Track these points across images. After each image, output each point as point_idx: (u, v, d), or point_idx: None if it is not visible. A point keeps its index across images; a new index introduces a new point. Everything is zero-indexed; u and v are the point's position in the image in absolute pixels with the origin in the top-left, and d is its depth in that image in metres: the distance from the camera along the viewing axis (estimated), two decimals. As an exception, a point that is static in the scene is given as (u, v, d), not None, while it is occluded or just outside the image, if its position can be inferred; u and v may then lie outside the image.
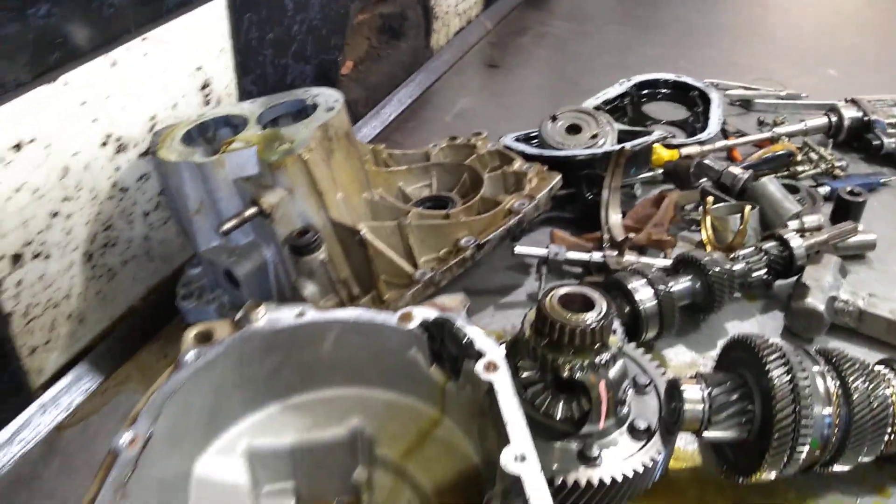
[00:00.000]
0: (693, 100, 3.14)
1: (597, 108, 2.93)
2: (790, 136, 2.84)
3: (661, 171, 2.64)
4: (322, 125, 1.98)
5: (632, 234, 2.25)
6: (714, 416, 1.64)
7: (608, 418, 1.66)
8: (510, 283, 2.30)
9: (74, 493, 1.69)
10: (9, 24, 1.73)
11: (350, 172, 2.06)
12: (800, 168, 2.70)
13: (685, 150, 2.67)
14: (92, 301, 2.17)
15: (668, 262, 2.17)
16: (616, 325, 1.66)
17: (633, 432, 1.70)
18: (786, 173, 2.68)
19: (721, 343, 1.79)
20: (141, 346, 2.22)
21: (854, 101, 2.89)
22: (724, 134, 2.93)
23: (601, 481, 1.60)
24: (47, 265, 2.00)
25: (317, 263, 1.93)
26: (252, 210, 1.90)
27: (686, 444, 1.82)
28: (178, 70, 2.26)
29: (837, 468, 1.67)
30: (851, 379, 1.65)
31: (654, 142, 2.57)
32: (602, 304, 1.62)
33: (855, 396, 1.64)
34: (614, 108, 3.10)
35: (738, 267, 2.12)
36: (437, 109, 3.33)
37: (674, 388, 1.66)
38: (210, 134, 2.17)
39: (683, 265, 2.11)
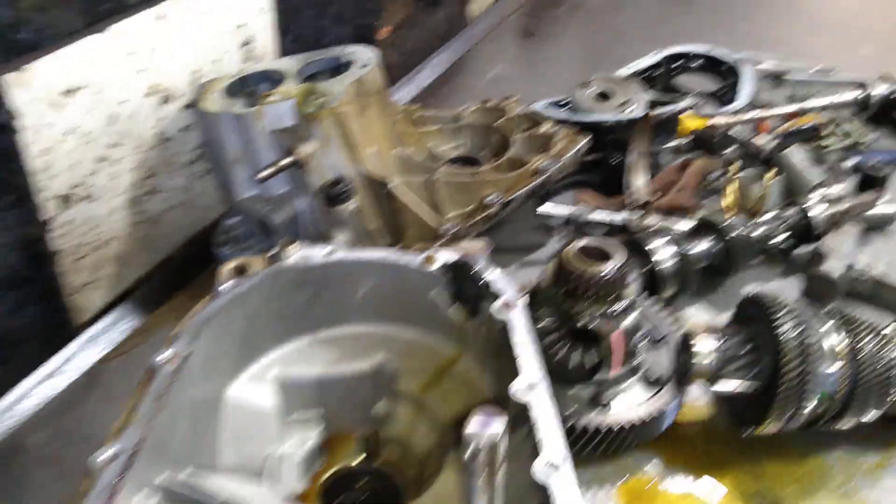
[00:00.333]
0: (724, 73, 3.16)
1: (628, 77, 2.97)
2: (819, 110, 2.86)
3: (687, 139, 2.67)
4: (356, 80, 2.06)
5: (655, 198, 2.30)
6: (724, 368, 1.70)
7: (621, 367, 1.73)
8: (534, 243, 2.37)
9: (115, 418, 1.80)
10: (64, -27, 1.83)
11: (382, 128, 2.14)
12: (827, 141, 2.72)
13: (713, 121, 2.70)
14: (134, 245, 2.28)
15: (690, 227, 2.22)
16: (632, 277, 1.72)
17: (645, 382, 1.77)
18: (812, 146, 2.70)
19: (734, 311, 1.84)
20: (178, 291, 2.32)
21: (885, 78, 2.89)
22: (754, 107, 2.95)
23: (610, 426, 1.67)
24: (94, 208, 2.12)
25: (347, 213, 2.01)
26: (287, 160, 1.99)
27: (697, 397, 1.88)
28: (221, 26, 2.35)
29: (842, 425, 1.72)
30: (860, 338, 1.70)
31: (681, 111, 2.61)
32: (619, 256, 1.69)
33: (862, 356, 1.69)
34: (646, 78, 3.12)
35: (757, 232, 2.17)
36: (471, 76, 3.39)
37: (686, 341, 1.72)
38: (250, 88, 2.26)
39: (704, 228, 2.16)
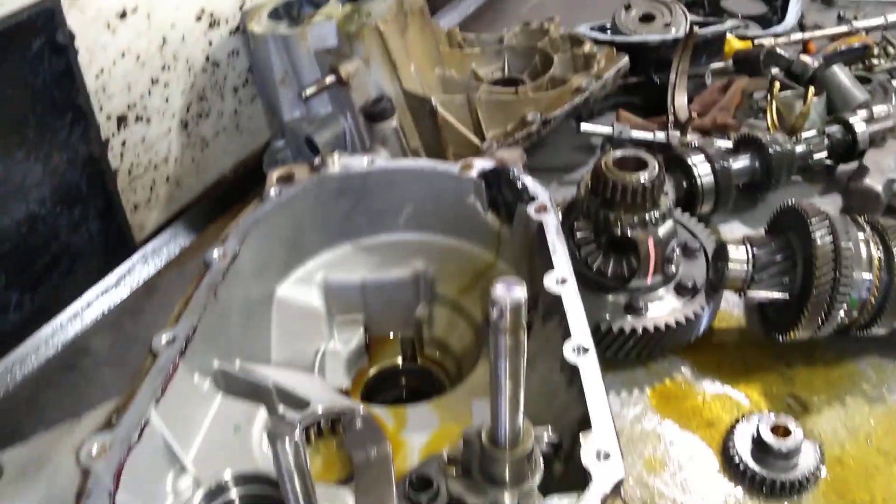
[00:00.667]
0: (772, -5, 3.11)
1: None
2: (868, 30, 2.81)
3: (732, 61, 2.66)
4: (397, 0, 2.10)
5: (696, 115, 2.30)
6: (757, 275, 1.73)
7: (655, 274, 1.78)
8: (573, 162, 2.41)
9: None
10: None
11: (423, 47, 2.18)
12: (875, 61, 2.68)
13: (759, 41, 2.68)
14: (187, 167, 2.38)
15: (730, 145, 2.22)
16: (667, 186, 1.75)
17: (680, 290, 1.81)
18: (861, 66, 2.67)
19: (770, 221, 1.86)
20: (228, 211, 2.41)
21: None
22: (801, 28, 2.91)
23: (645, 328, 1.72)
24: (148, 129, 2.21)
25: (389, 131, 2.07)
26: (331, 78, 2.04)
27: (732, 306, 1.92)
28: (267, -50, 2.40)
29: (874, 331, 1.75)
30: (896, 247, 1.72)
31: (725, 30, 2.59)
32: (654, 166, 1.72)
33: (897, 263, 1.70)
34: (692, 2, 3.09)
35: (799, 148, 2.17)
36: (513, 2, 3.39)
37: (720, 249, 1.76)
38: (294, 12, 2.31)
39: (744, 144, 2.17)
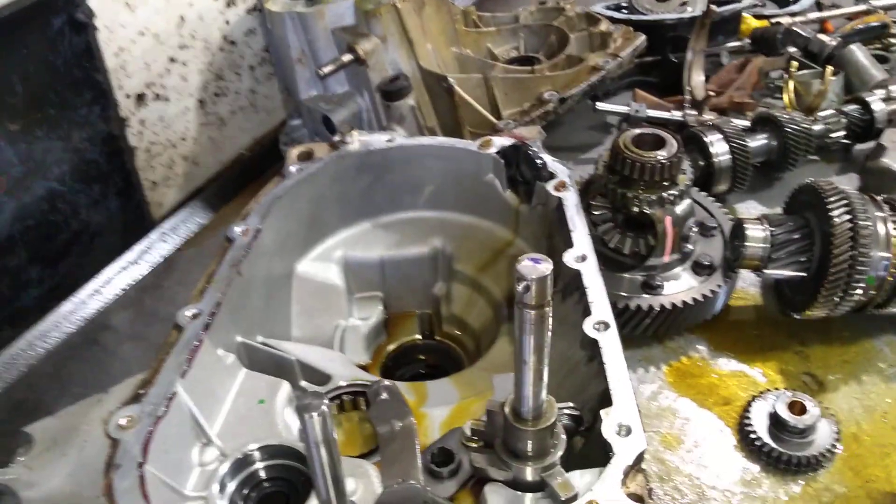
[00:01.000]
0: (790, -26, 3.08)
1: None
2: (887, 8, 2.78)
3: (748, 40, 2.64)
4: (414, -23, 2.09)
5: (713, 94, 2.30)
6: (775, 253, 1.73)
7: (672, 252, 1.78)
8: (590, 142, 2.40)
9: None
10: None
11: (440, 25, 2.17)
12: (893, 40, 2.66)
13: (776, 20, 2.66)
14: (204, 145, 2.39)
15: (746, 124, 2.22)
16: (685, 164, 1.75)
17: (696, 268, 1.81)
18: (878, 45, 2.65)
19: (787, 199, 1.86)
20: (245, 189, 2.42)
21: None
22: (819, 6, 2.89)
23: (662, 306, 1.73)
24: (166, 107, 2.22)
25: (406, 109, 2.07)
26: (348, 56, 2.05)
27: (748, 284, 1.92)
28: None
29: (891, 310, 1.75)
30: (916, 227, 1.71)
31: (742, 9, 2.58)
32: (673, 144, 1.72)
33: (916, 243, 1.70)
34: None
35: (816, 127, 2.16)
36: (529, -18, 3.36)
37: (738, 227, 1.76)
38: (311, -11, 2.31)
39: (761, 123, 2.17)
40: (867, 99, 2.21)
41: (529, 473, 1.07)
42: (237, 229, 1.45)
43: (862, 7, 2.80)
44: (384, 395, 1.10)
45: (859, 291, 1.68)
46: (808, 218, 1.75)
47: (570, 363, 1.28)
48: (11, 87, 1.80)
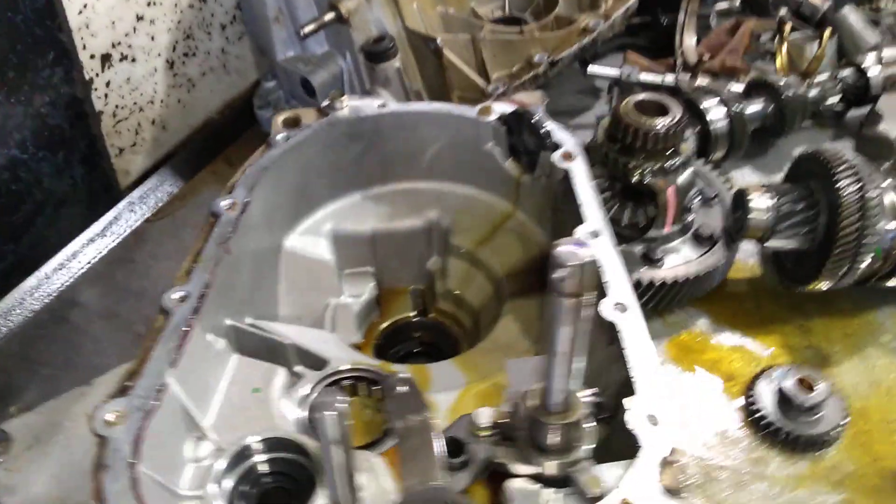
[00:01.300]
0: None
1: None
2: (877, -31, 2.73)
3: (738, 1, 2.57)
4: (398, -69, 1.97)
5: (705, 59, 2.23)
6: (779, 224, 1.68)
7: (674, 223, 1.72)
8: (580, 106, 2.33)
9: (165, 273, 1.82)
10: None
11: (425, -18, 2.06)
12: (883, 4, 2.60)
13: (766, -19, 2.59)
14: (173, 109, 2.26)
15: (740, 88, 2.15)
16: (688, 132, 1.68)
17: (697, 240, 1.76)
18: (868, 8, 2.59)
19: (789, 168, 1.80)
20: (217, 155, 2.30)
21: (948, -65, 2.74)
22: (808, -34, 2.82)
23: (664, 280, 1.67)
24: (133, 68, 2.08)
25: (392, 71, 1.96)
26: (331, 15, 1.93)
27: (747, 256, 1.87)
28: None
29: (894, 282, 1.72)
30: (920, 197, 1.67)
31: (733, -31, 2.50)
32: (676, 111, 1.64)
33: (921, 213, 1.66)
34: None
35: (812, 92, 2.11)
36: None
37: (741, 197, 1.70)
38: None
39: (756, 88, 2.10)
40: (863, 64, 2.15)
41: (555, 468, 1.00)
42: (223, 203, 1.34)
43: (851, -32, 2.74)
44: (402, 389, 1.02)
45: (866, 263, 1.63)
46: (813, 187, 1.69)
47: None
48: (-33, 47, 1.66)
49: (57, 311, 1.83)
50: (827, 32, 2.17)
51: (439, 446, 0.99)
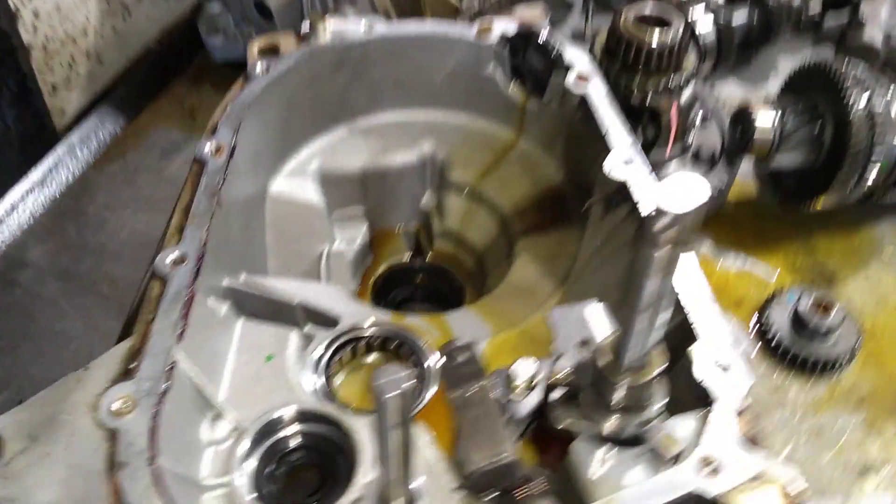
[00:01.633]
0: None
1: None
2: None
3: None
4: None
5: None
6: (784, 141, 1.61)
7: (675, 144, 1.63)
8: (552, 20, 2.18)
9: (125, 226, 1.65)
10: None
11: None
12: None
13: None
14: (108, 39, 2.03)
15: (720, -1, 2.05)
16: (691, 46, 1.58)
17: (697, 161, 1.67)
18: None
19: (773, 79, 1.73)
20: (163, 88, 2.10)
21: None
22: None
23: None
24: (61, -6, 1.85)
25: (360, -11, 1.79)
26: (289, -74, 1.73)
27: (742, 175, 1.79)
28: None
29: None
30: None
31: None
32: (679, 23, 1.53)
33: (925, 124, 1.61)
34: None
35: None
36: None
37: (743, 113, 1.61)
38: None
39: (740, -4, 2.00)
40: (844, -33, 2.07)
41: (626, 429, 0.91)
42: (207, 147, 1.18)
43: None
44: (462, 358, 0.90)
45: (873, 177, 1.58)
46: (817, 101, 1.62)
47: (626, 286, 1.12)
48: None
49: (4, 274, 1.64)
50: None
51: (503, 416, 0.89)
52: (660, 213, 0.72)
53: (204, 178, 1.14)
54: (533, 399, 1.02)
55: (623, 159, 1.18)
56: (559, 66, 1.33)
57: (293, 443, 1.02)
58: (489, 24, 1.37)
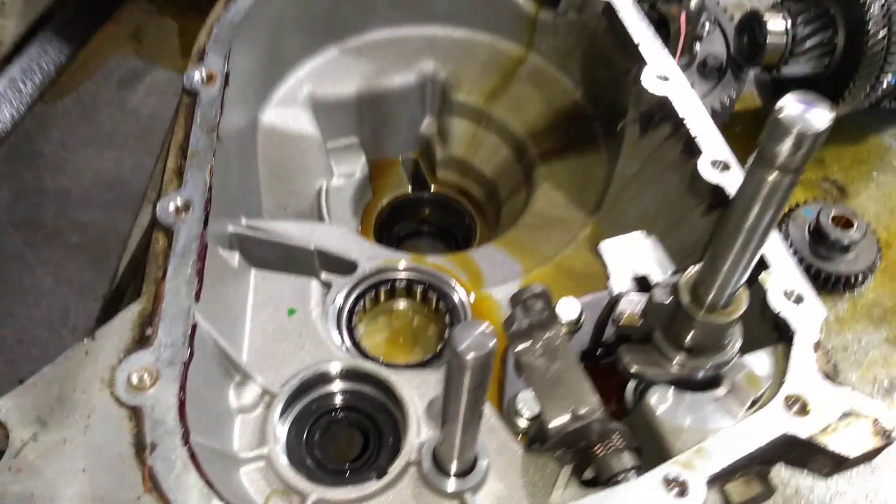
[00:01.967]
0: None
1: None
2: None
3: None
4: None
5: None
6: (796, 48, 1.52)
7: (682, 55, 1.53)
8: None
9: (89, 166, 1.49)
10: None
11: None
12: None
13: None
14: (42, -44, 1.81)
15: None
16: (699, -53, 1.47)
17: (704, 72, 1.58)
18: None
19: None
20: (112, 10, 1.89)
21: None
22: None
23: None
24: None
25: None
26: None
27: (745, 86, 1.71)
28: None
29: (896, 104, 1.62)
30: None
31: None
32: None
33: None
34: None
35: None
36: None
37: (753, 19, 1.52)
38: None
39: None
40: None
41: (704, 370, 0.83)
42: (196, 76, 1.03)
43: None
44: (539, 305, 0.80)
45: (888, 80, 1.51)
46: (828, 5, 1.53)
47: (673, 214, 1.03)
48: None
49: (-44, 227, 1.48)
50: None
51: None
52: (785, 132, 0.62)
53: (198, 111, 1.00)
54: (581, 341, 0.94)
55: (659, 73, 1.07)
56: (577, -29, 1.20)
57: (330, 404, 0.92)
58: (496, -74, 1.23)
